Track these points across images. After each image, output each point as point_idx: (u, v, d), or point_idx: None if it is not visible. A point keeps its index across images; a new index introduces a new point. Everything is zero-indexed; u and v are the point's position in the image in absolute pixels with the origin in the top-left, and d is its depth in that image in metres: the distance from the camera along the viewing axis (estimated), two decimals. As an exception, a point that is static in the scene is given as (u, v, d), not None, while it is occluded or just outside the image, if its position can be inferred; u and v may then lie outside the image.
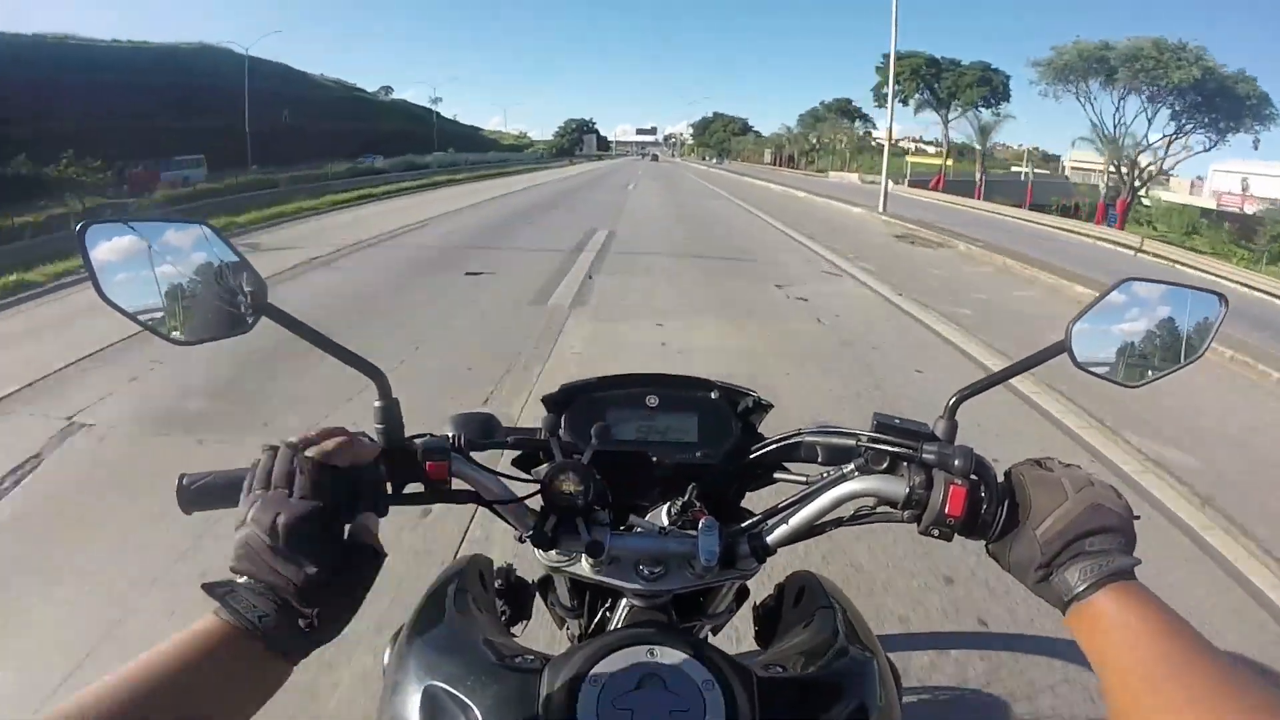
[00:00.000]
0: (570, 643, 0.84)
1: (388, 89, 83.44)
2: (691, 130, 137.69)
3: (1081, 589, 0.52)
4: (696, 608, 0.82)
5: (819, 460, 0.77)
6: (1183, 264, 14.76)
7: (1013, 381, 3.38)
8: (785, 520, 0.68)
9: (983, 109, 44.57)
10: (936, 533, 0.60)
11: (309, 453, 0.54)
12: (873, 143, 73.53)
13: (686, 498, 0.74)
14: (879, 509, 0.65)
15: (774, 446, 0.80)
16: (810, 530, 0.68)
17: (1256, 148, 31.69)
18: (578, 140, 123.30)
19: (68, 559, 2.38)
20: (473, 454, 0.69)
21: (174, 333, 0.59)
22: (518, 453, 0.79)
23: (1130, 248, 18.06)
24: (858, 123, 71.65)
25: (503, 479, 0.68)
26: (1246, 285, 12.42)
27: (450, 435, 0.69)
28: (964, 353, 5.38)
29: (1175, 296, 0.67)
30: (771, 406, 0.85)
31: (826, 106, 73.35)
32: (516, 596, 0.91)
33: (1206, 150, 32.09)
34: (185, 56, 44.55)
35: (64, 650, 1.95)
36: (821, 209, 20.19)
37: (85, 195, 14.90)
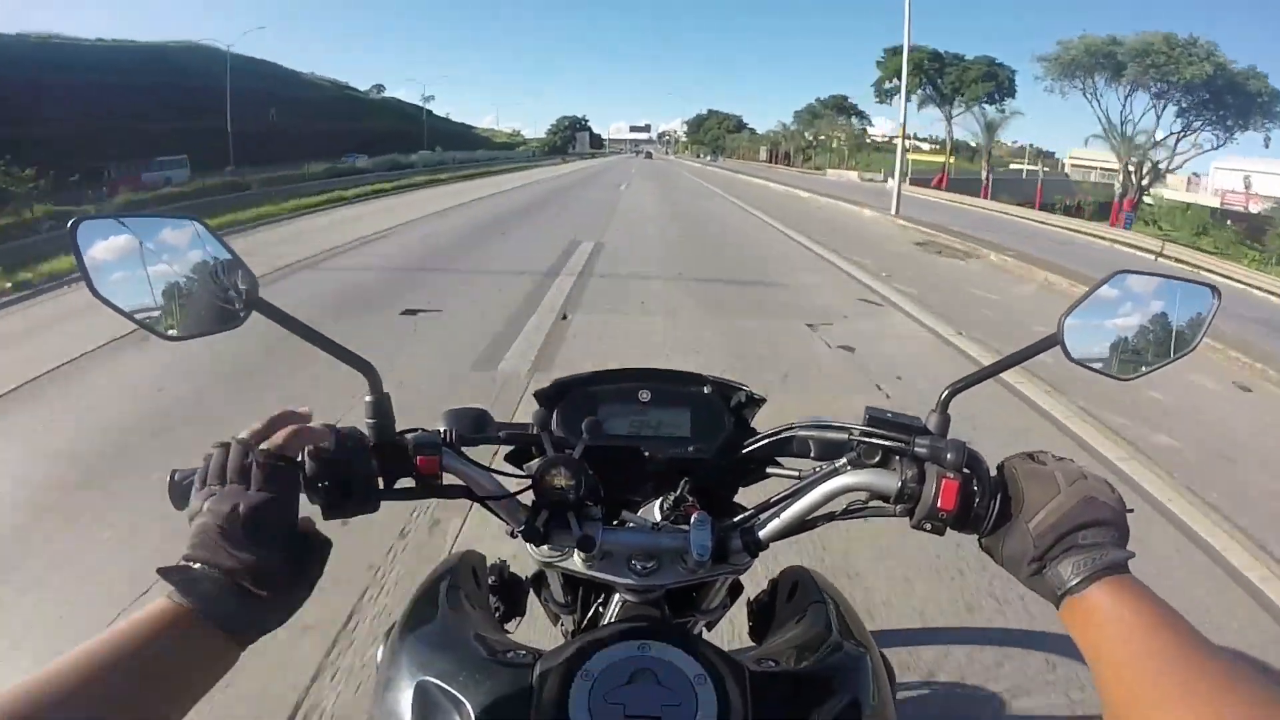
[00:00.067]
0: (564, 638, 0.82)
1: (380, 87, 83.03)
2: (686, 128, 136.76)
3: (1075, 583, 0.52)
4: (690, 603, 0.82)
5: (812, 455, 0.76)
6: (1207, 269, 13.92)
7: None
8: (778, 515, 0.68)
9: (986, 105, 43.71)
10: (929, 527, 0.60)
11: (262, 447, 0.56)
12: (869, 140, 72.84)
13: (679, 492, 0.74)
14: (871, 503, 0.65)
15: (766, 441, 0.80)
16: (802, 525, 0.68)
17: (1268, 145, 31.30)
18: (570, 138, 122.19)
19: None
20: (464, 449, 0.69)
21: (167, 330, 0.59)
22: (510, 448, 0.79)
23: (1151, 252, 17.25)
24: (854, 119, 71.00)
25: (494, 474, 0.68)
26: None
27: (442, 430, 0.68)
28: (1082, 444, 3.67)
29: (1168, 289, 0.66)
30: (764, 401, 0.85)
31: (822, 103, 72.79)
32: (510, 593, 0.91)
33: (1215, 148, 31.49)
34: (173, 55, 44.55)
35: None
36: (830, 211, 18.73)
37: (43, 201, 13.91)
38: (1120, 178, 33.55)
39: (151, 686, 0.45)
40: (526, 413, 0.81)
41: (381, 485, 0.63)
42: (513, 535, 0.68)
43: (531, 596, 0.93)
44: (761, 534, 0.68)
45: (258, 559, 0.51)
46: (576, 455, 0.64)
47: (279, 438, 0.57)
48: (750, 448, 0.81)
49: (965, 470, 0.59)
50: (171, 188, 22.16)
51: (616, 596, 0.75)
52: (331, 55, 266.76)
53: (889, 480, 0.63)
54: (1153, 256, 16.52)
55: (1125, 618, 0.49)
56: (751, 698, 0.53)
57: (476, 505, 0.68)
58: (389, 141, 55.35)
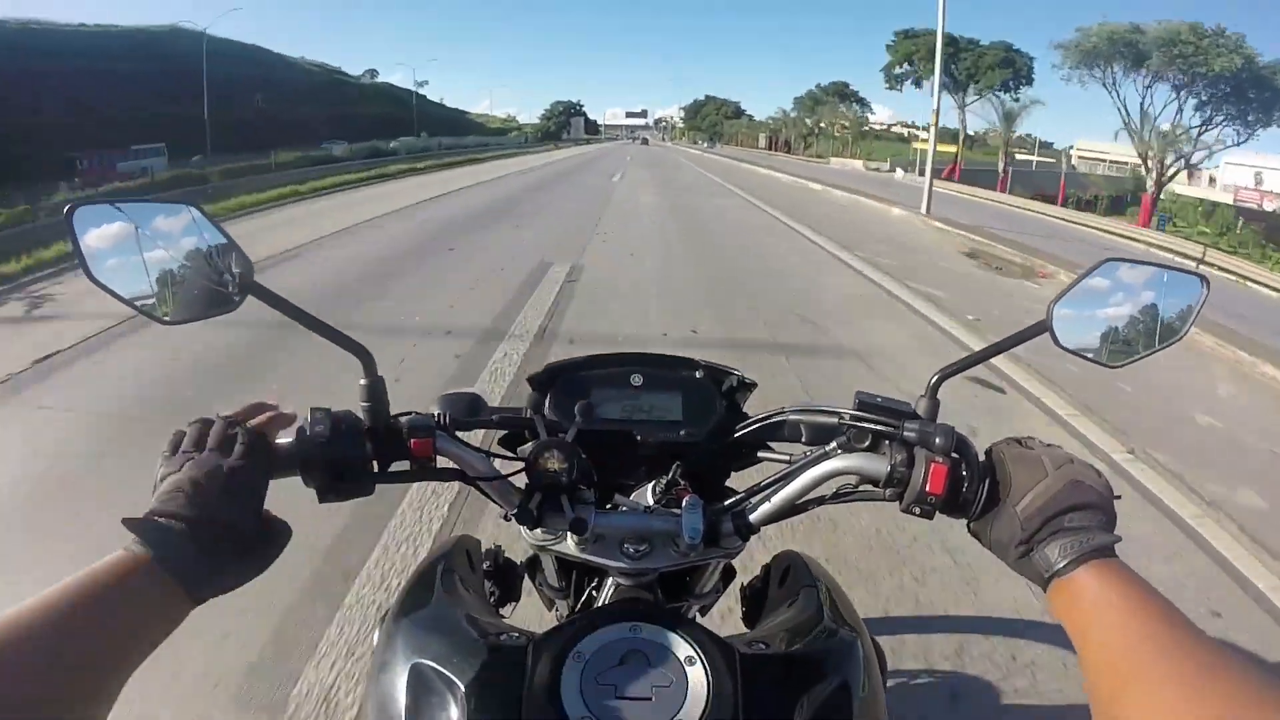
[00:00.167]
0: (558, 623, 0.80)
1: (373, 73, 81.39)
2: (683, 114, 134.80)
3: (1062, 565, 0.52)
4: (684, 588, 0.83)
5: (802, 439, 0.77)
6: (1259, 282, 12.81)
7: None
8: (768, 498, 0.69)
9: (1000, 93, 42.47)
10: (918, 510, 0.61)
11: (249, 424, 0.60)
12: (870, 127, 71.45)
13: (670, 476, 0.74)
14: (861, 487, 0.66)
15: (758, 425, 0.80)
16: (793, 508, 0.68)
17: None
18: (565, 123, 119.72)
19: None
20: (458, 433, 0.68)
21: (163, 314, 0.59)
22: (503, 432, 0.79)
23: (1193, 259, 16.16)
24: (855, 106, 69.67)
25: (488, 457, 0.69)
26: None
27: (436, 413, 0.68)
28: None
29: (1157, 278, 0.66)
30: (755, 385, 0.86)
31: (823, 89, 71.42)
32: (505, 577, 0.91)
33: (1238, 144, 30.38)
34: (156, 40, 43.24)
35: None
36: (853, 211, 15.72)
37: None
38: (1152, 174, 31.78)
39: (103, 635, 0.45)
40: (520, 397, 0.81)
41: (376, 468, 0.64)
42: (506, 518, 0.69)
43: (526, 581, 0.94)
44: (752, 517, 0.69)
45: (226, 520, 0.53)
46: (569, 439, 0.64)
47: (260, 418, 0.61)
48: (741, 432, 0.81)
49: (954, 455, 0.60)
50: (124, 182, 20.73)
51: (610, 580, 0.75)
52: (325, 41, 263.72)
53: (878, 464, 0.63)
54: (1193, 264, 15.45)
55: (1111, 600, 0.49)
56: (742, 680, 0.53)
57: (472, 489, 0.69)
58: (380, 127, 54.13)
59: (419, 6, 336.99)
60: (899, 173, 36.58)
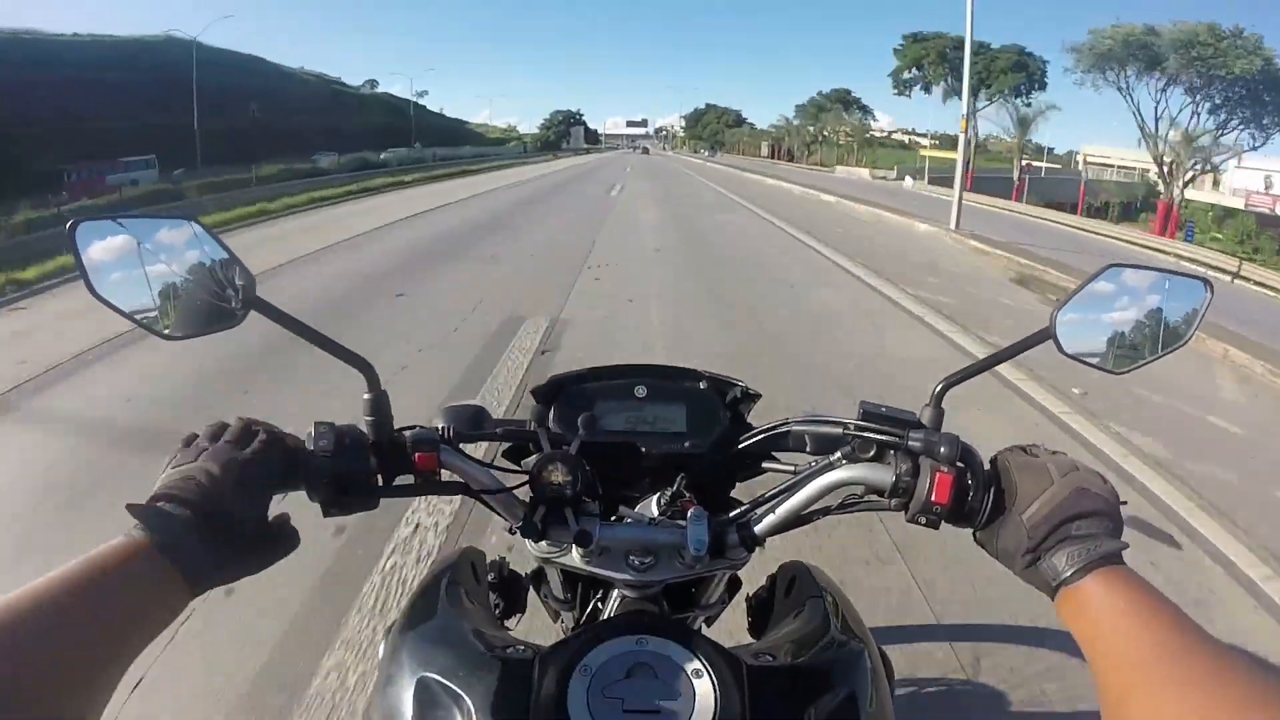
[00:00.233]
0: (564, 635, 0.83)
1: (373, 83, 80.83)
2: (683, 123, 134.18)
3: (1069, 573, 0.52)
4: (689, 599, 0.82)
5: (807, 449, 0.76)
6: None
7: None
8: (773, 509, 0.69)
9: (1010, 98, 40.77)
10: (923, 520, 0.60)
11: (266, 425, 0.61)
12: (872, 135, 70.87)
13: (675, 488, 0.74)
14: (866, 497, 0.66)
15: (762, 436, 0.80)
16: (798, 519, 0.68)
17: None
18: (564, 133, 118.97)
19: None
20: (462, 445, 0.68)
21: (165, 329, 0.59)
22: (507, 445, 0.79)
23: (1228, 272, 15.15)
24: (856, 114, 69.09)
25: (492, 470, 0.68)
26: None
27: (440, 427, 0.68)
28: None
29: (1160, 283, 0.66)
30: (759, 396, 0.85)
31: (825, 97, 70.80)
32: (510, 590, 0.91)
33: (1255, 147, 29.50)
34: (149, 49, 42.80)
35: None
36: (876, 227, 13.90)
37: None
38: (1179, 181, 30.16)
39: (99, 623, 0.45)
40: (524, 410, 0.81)
41: (380, 482, 0.63)
42: (511, 531, 0.68)
43: (531, 594, 0.93)
44: (758, 528, 0.69)
45: (234, 512, 0.53)
46: (573, 451, 0.64)
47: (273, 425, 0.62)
48: (746, 443, 0.81)
49: (959, 464, 0.59)
50: (107, 196, 20.36)
51: (615, 592, 0.74)
52: (326, 52, 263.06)
53: (884, 474, 0.63)
54: (1229, 278, 14.54)
55: (1120, 607, 0.49)
56: (749, 692, 0.53)
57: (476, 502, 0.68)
58: (378, 138, 53.64)
59: (419, 16, 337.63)
60: (908, 181, 35.50)
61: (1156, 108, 30.07)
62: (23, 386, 4.21)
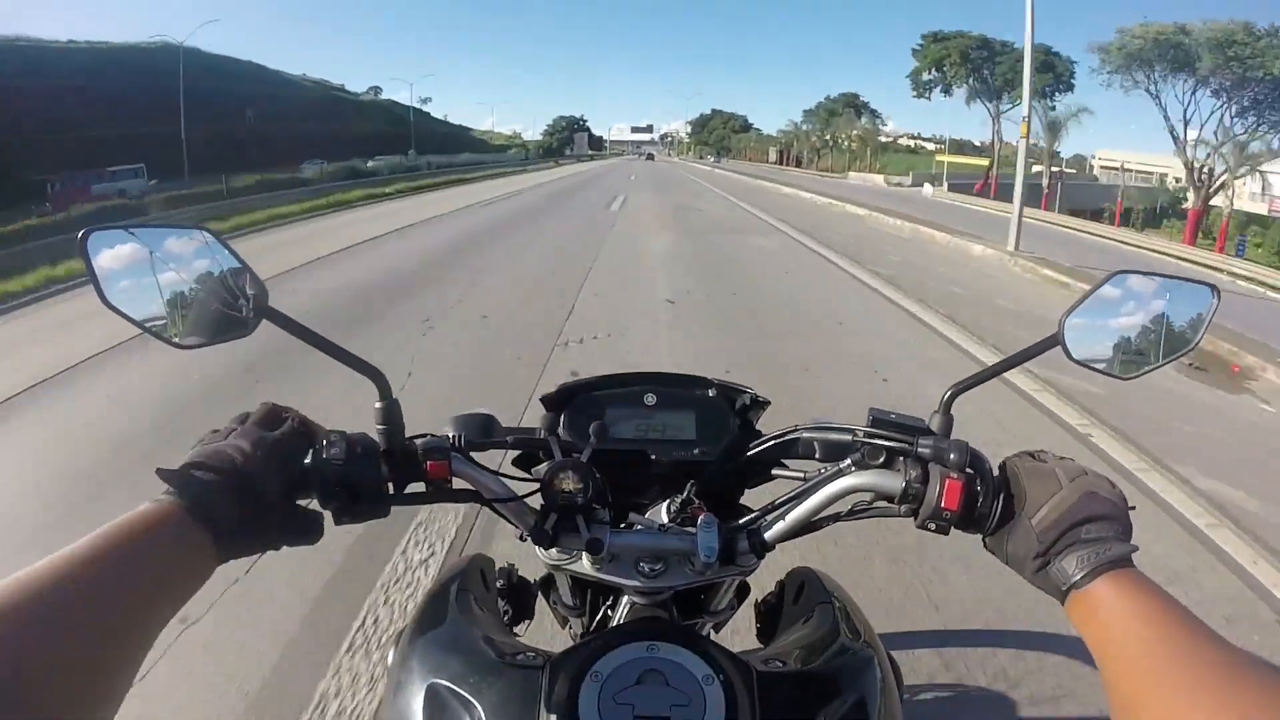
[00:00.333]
0: (573, 641, 0.82)
1: (376, 89, 79.90)
2: (689, 128, 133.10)
3: (1079, 577, 0.52)
4: (698, 605, 0.83)
5: (816, 456, 0.77)
6: None
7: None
8: (783, 516, 0.69)
9: (1035, 100, 38.78)
10: (933, 526, 0.61)
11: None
12: (886, 140, 69.65)
13: (685, 495, 0.74)
14: (876, 503, 0.66)
15: (772, 443, 0.80)
16: (808, 526, 0.68)
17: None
18: (568, 139, 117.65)
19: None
20: (473, 454, 0.69)
21: (176, 337, 0.60)
22: (518, 452, 0.79)
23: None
24: (864, 118, 67.95)
25: (503, 478, 0.69)
26: None
27: (451, 435, 0.69)
28: None
29: (1168, 289, 0.66)
30: (769, 403, 0.85)
31: (833, 101, 69.63)
32: (519, 596, 0.91)
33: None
34: (145, 56, 42.11)
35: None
36: (922, 247, 11.53)
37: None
38: (1230, 189, 28.79)
39: (132, 585, 0.45)
40: (534, 418, 0.80)
41: (392, 490, 0.64)
42: (522, 539, 0.69)
43: (540, 600, 0.93)
44: (768, 535, 0.69)
45: (263, 485, 0.54)
46: (584, 459, 0.65)
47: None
48: (755, 450, 0.81)
49: (968, 470, 0.59)
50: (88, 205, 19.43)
51: (625, 599, 0.75)
52: (330, 60, 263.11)
53: (893, 481, 0.63)
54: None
55: (1130, 611, 0.49)
56: (759, 698, 0.53)
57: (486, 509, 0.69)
58: (379, 145, 52.71)
59: (424, 24, 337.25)
60: (926, 188, 33.85)
61: (1185, 110, 28.74)
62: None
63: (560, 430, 0.81)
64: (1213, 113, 28.26)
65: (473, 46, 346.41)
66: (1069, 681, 1.83)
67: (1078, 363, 0.66)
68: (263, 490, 0.53)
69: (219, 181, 23.60)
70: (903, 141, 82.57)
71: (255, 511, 0.53)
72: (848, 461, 0.68)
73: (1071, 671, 1.84)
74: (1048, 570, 0.54)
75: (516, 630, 0.88)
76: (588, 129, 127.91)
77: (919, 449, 0.62)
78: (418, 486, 0.65)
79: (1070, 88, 39.68)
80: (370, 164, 40.31)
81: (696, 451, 0.81)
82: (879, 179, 42.64)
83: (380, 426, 0.63)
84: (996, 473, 0.60)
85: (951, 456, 0.59)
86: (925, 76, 43.37)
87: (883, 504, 0.65)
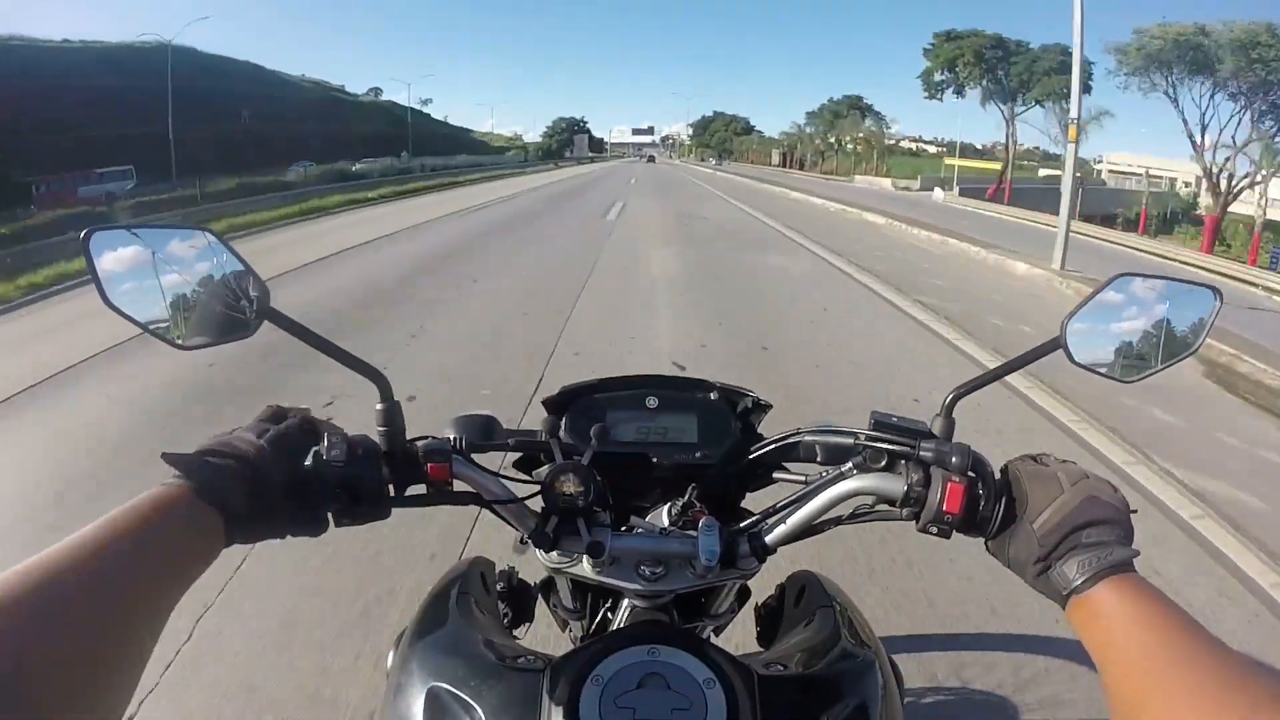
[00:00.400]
0: (573, 644, 0.83)
1: (377, 90, 79.14)
2: (691, 130, 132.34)
3: (1080, 582, 0.52)
4: (699, 608, 0.82)
5: (818, 459, 0.76)
6: None
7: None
8: (784, 519, 0.68)
9: (1049, 103, 36.81)
10: (935, 530, 0.60)
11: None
12: (889, 143, 68.89)
13: (686, 498, 0.74)
14: (878, 507, 0.65)
15: (773, 446, 0.80)
16: (809, 529, 0.68)
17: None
18: (568, 141, 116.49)
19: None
20: (474, 456, 0.68)
21: (178, 338, 0.59)
22: (519, 455, 0.79)
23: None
24: (868, 120, 67.23)
25: (504, 480, 0.68)
26: None
27: (452, 437, 0.68)
28: None
29: (1170, 292, 0.66)
30: (770, 406, 0.84)
31: (837, 103, 68.90)
32: (519, 599, 0.90)
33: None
34: (141, 56, 41.31)
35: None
36: (956, 265, 10.23)
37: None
38: (1263, 197, 26.96)
39: (142, 567, 0.44)
40: (535, 420, 0.80)
41: (392, 492, 0.63)
42: (523, 541, 0.69)
43: (540, 603, 0.93)
44: (769, 539, 0.69)
45: (271, 472, 0.54)
46: (585, 462, 0.64)
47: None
48: (757, 453, 0.80)
49: (970, 474, 0.59)
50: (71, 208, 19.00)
51: (625, 602, 0.75)
52: (331, 60, 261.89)
53: (895, 484, 0.63)
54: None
55: (1131, 616, 0.49)
56: (760, 701, 0.53)
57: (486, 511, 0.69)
58: (379, 146, 52.03)
59: (425, 25, 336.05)
60: (937, 193, 32.71)
61: (1203, 114, 27.94)
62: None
63: (561, 433, 0.80)
64: (1231, 116, 27.47)
65: (473, 47, 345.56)
66: (1069, 685, 1.85)
67: (1079, 366, 0.66)
68: (270, 481, 0.53)
69: (210, 184, 22.87)
70: (905, 145, 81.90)
71: (264, 500, 0.53)
72: (849, 465, 0.68)
73: (1072, 675, 1.87)
74: (1049, 575, 0.54)
75: (516, 633, 0.86)
76: (588, 131, 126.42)
77: (921, 452, 0.62)
78: (419, 488, 0.65)
79: (1088, 90, 38.46)
80: (356, 167, 38.48)
81: (698, 454, 0.80)
82: (886, 183, 41.83)
83: (381, 428, 0.62)
84: (998, 476, 0.60)
85: (953, 460, 0.59)
86: (937, 77, 42.23)
87: (884, 507, 0.64)
